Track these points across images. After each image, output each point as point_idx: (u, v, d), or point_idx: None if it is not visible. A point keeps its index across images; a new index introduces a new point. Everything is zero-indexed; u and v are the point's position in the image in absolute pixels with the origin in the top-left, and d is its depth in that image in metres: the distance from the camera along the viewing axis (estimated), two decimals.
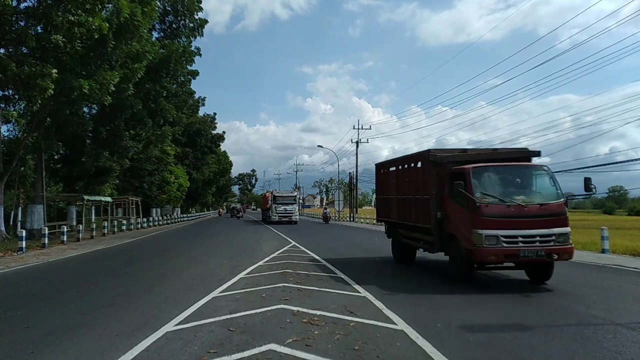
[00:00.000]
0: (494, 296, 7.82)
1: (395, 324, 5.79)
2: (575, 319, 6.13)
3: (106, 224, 26.23)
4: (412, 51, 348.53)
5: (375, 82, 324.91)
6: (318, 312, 6.32)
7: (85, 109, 24.51)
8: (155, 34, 30.71)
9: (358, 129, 47.71)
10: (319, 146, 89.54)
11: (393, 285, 8.78)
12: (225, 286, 8.52)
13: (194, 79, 33.17)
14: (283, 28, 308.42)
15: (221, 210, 79.03)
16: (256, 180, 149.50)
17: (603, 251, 14.32)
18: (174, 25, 32.06)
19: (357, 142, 47.78)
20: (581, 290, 8.37)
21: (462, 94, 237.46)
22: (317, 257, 13.09)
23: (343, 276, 9.67)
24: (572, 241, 17.14)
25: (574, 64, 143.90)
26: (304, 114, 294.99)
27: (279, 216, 37.48)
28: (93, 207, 32.13)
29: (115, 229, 27.84)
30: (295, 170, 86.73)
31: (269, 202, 39.04)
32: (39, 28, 16.86)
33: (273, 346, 4.82)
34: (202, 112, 57.65)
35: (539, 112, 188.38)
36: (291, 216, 37.94)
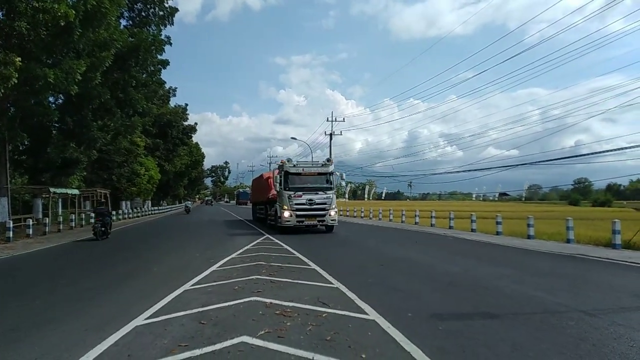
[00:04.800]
0: (463, 286, 7.97)
1: (367, 314, 5.84)
2: (541, 306, 6.31)
3: (74, 217, 25.58)
4: (386, 44, 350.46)
5: (349, 74, 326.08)
6: (291, 304, 6.32)
7: (51, 99, 23.74)
8: (123, 22, 29.82)
9: (332, 121, 47.78)
10: (292, 138, 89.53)
11: (366, 277, 8.85)
12: (197, 279, 8.43)
13: (165, 68, 32.37)
14: (255, 18, 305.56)
15: (189, 204, 55.93)
16: (229, 172, 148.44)
17: (568, 241, 14.79)
18: (143, 14, 31.20)
19: (330, 135, 47.85)
20: (547, 279, 8.63)
21: (434, 87, 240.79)
22: (290, 249, 13.09)
23: (317, 268, 9.70)
24: (540, 232, 17.76)
25: (542, 58, 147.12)
26: (277, 106, 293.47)
27: (298, 216, 18.61)
28: (60, 200, 31.22)
29: (83, 222, 27.18)
30: (269, 163, 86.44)
31: (274, 186, 20.20)
32: (0, 14, 16.20)
33: (245, 338, 4.80)
34: (173, 102, 56.64)
35: (508, 106, 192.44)
36: (323, 215, 18.98)
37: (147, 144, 47.54)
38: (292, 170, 19.20)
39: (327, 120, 48.19)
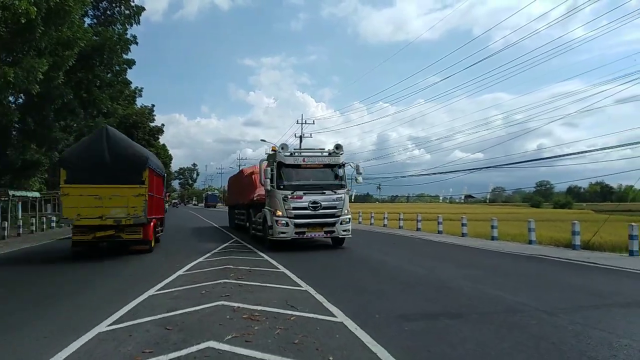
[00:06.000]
0: (429, 287, 8.11)
1: (335, 316, 5.88)
2: (504, 306, 6.48)
3: (34, 221, 24.74)
4: (355, 47, 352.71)
5: (319, 77, 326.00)
6: (259, 308, 6.29)
7: (11, 98, 22.92)
8: (88, 20, 29.10)
9: (302, 123, 47.79)
10: (262, 140, 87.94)
11: (335, 279, 8.91)
12: (162, 284, 8.29)
13: (130, 68, 31.76)
14: (224, 18, 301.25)
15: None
16: (198, 174, 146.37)
17: (530, 242, 15.24)
18: (108, 12, 30.50)
19: (300, 137, 47.89)
20: (509, 279, 8.89)
21: (403, 91, 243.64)
22: (260, 253, 13.02)
23: (286, 271, 9.68)
24: (503, 233, 18.20)
25: (506, 64, 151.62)
26: (247, 108, 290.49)
27: (297, 225, 13.52)
28: (20, 203, 30.10)
29: (45, 226, 26.28)
30: (239, 165, 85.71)
31: (263, 184, 14.51)
32: None
33: (212, 343, 4.75)
34: (139, 103, 55.29)
35: (473, 110, 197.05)
36: (333, 224, 13.88)
37: None
38: (289, 161, 13.95)
39: (297, 123, 48.24)
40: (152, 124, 59.24)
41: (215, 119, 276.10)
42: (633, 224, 12.13)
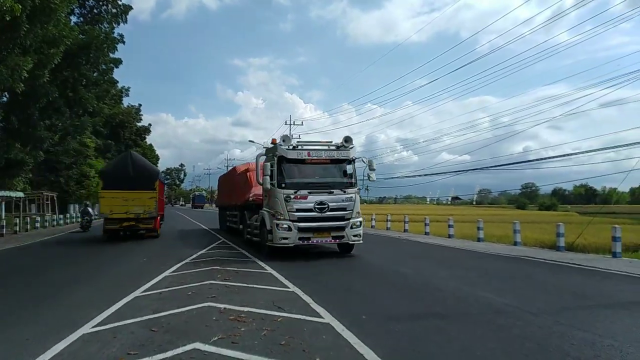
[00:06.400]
0: (416, 288, 8.16)
1: (322, 317, 5.88)
2: (490, 307, 6.53)
3: (18, 221, 24.37)
4: (344, 49, 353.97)
5: (307, 78, 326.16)
6: (245, 309, 6.26)
7: None
8: (74, 19, 28.80)
9: (290, 124, 47.85)
10: (250, 141, 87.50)
11: (322, 280, 8.90)
12: (149, 285, 8.21)
13: (117, 67, 31.42)
14: (212, 18, 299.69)
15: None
16: (185, 175, 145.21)
17: (515, 243, 15.38)
18: (95, 10, 30.20)
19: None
20: (495, 280, 8.97)
21: (391, 93, 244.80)
22: (246, 253, 12.97)
23: (273, 272, 9.65)
24: (489, 235, 18.33)
25: (492, 67, 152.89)
26: (235, 108, 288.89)
27: (301, 229, 11.76)
28: (3, 203, 29.62)
29: (29, 227, 25.91)
30: (226, 166, 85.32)
31: (263, 181, 12.25)
32: None
33: (198, 345, 4.72)
34: (126, 102, 54.95)
35: (460, 112, 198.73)
36: (342, 228, 12.11)
37: (98, 145, 45.88)
38: (292, 155, 12.24)
39: (286, 124, 48.30)
40: (138, 124, 58.87)
41: (203, 119, 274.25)
42: (616, 226, 12.32)
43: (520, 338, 5.03)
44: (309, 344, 4.78)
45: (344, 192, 12.21)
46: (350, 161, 12.73)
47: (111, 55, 28.52)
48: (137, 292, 7.56)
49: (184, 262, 11.19)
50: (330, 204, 11.88)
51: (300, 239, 11.73)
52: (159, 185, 19.37)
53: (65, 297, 7.55)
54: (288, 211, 11.70)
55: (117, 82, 39.39)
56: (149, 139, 67.30)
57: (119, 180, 17.56)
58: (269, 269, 10.01)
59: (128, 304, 6.74)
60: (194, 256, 12.29)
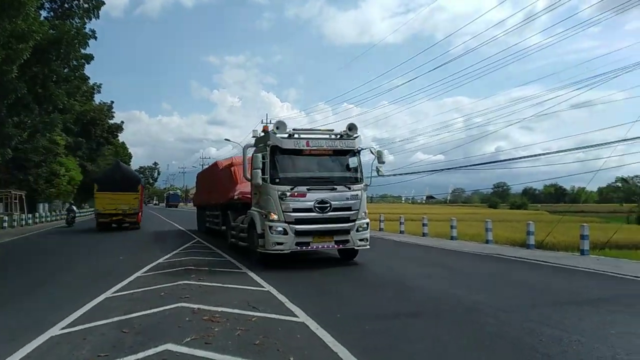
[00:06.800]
0: (389, 286, 8.23)
1: (297, 316, 5.88)
2: (462, 304, 6.64)
3: None
4: (320, 48, 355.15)
5: (284, 77, 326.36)
6: (219, 309, 6.20)
7: None
8: (44, 13, 28.01)
9: (266, 123, 47.55)
10: (226, 140, 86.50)
11: (296, 280, 8.89)
12: (120, 285, 8.06)
13: (89, 63, 30.63)
14: (187, 15, 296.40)
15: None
16: (159, 173, 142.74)
17: (487, 242, 15.69)
18: (66, 5, 29.39)
19: None
20: (468, 278, 9.13)
21: (367, 93, 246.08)
22: (221, 253, 12.85)
23: (248, 271, 9.59)
24: (462, 233, 18.56)
25: (466, 68, 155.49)
26: (211, 106, 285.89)
27: (299, 233, 9.86)
28: None
29: None
30: (202, 165, 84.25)
31: (252, 176, 10.35)
32: None
33: (170, 346, 4.65)
34: (98, 99, 53.70)
35: (435, 113, 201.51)
36: (347, 230, 10.23)
37: (68, 143, 44.73)
38: (288, 144, 10.34)
39: (262, 123, 47.88)
40: (111, 121, 57.61)
41: (177, 117, 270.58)
42: (584, 224, 12.69)
43: (491, 335, 5.13)
44: (283, 344, 4.77)
45: (349, 188, 10.45)
46: (356, 152, 10.99)
47: (82, 51, 27.80)
48: (108, 293, 7.41)
49: (157, 262, 11.02)
50: (333, 203, 10.07)
51: (297, 243, 9.96)
52: (141, 188, 24.68)
53: (34, 297, 7.37)
54: (283, 211, 9.88)
55: (89, 78, 38.44)
56: (121, 137, 65.90)
57: (110, 184, 22.86)
58: (244, 269, 9.94)
59: (98, 305, 6.60)
60: (167, 256, 12.12)
